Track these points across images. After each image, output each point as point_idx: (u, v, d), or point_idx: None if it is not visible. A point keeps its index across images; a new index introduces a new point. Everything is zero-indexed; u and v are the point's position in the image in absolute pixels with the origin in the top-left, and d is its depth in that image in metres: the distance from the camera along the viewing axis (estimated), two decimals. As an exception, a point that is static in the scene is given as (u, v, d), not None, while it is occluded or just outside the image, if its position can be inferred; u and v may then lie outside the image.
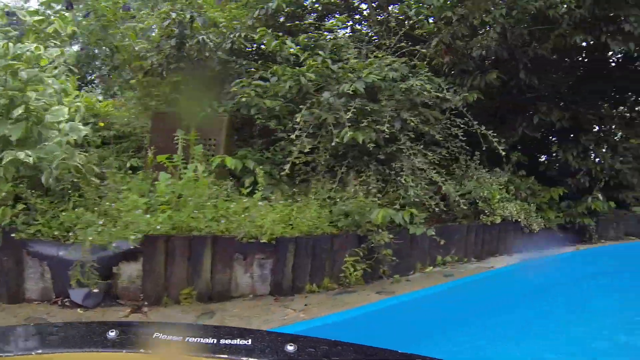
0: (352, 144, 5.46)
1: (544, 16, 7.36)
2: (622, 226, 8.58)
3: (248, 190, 5.26)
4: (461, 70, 7.56)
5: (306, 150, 5.31)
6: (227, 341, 0.94)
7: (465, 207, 5.68)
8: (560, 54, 8.24)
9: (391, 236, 4.93)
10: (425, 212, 5.59)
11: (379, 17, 9.39)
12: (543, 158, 8.79)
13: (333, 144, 5.32)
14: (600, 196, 7.64)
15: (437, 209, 5.54)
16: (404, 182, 5.26)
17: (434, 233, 5.23)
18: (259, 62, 7.07)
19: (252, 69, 7.04)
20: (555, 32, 7.31)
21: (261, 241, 4.53)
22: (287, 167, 5.33)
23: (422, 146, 5.68)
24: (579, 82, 8.75)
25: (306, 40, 6.89)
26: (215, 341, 0.93)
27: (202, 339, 0.95)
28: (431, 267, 5.67)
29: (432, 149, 5.87)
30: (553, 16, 7.15)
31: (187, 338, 0.95)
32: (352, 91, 5.56)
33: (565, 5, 7.04)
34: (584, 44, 8.37)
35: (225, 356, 0.89)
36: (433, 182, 5.67)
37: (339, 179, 5.47)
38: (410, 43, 7.23)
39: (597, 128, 8.63)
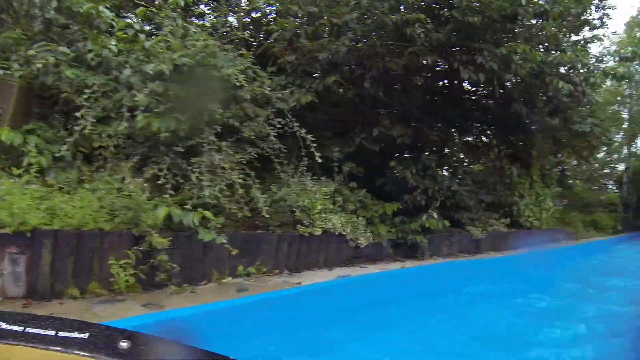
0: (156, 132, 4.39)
1: (401, 33, 6.84)
2: (455, 244, 8.25)
3: (22, 170, 4.10)
4: (305, 72, 6.75)
5: (86, 131, 4.17)
6: (66, 334, 0.89)
7: (268, 215, 4.81)
8: (416, 74, 7.79)
9: (168, 239, 3.93)
10: (232, 217, 4.66)
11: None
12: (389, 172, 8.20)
13: (121, 128, 4.21)
14: (435, 215, 7.20)
15: (240, 214, 4.61)
16: (195, 179, 4.24)
17: (225, 241, 4.27)
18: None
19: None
20: (409, 49, 6.75)
21: (7, 231, 3.48)
22: (64, 148, 4.18)
23: (228, 143, 4.69)
24: (431, 104, 8.38)
25: (148, 14, 5.74)
26: (54, 333, 0.88)
27: (41, 330, 0.88)
28: (230, 278, 4.71)
29: (243, 147, 4.89)
30: (410, 34, 6.63)
31: (27, 329, 0.88)
32: (157, 72, 4.48)
33: (421, 24, 6.51)
34: (439, 69, 8.07)
35: (60, 349, 0.83)
36: (244, 185, 4.73)
37: (129, 168, 4.36)
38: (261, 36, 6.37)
39: (440, 150, 8.23)
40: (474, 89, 9.60)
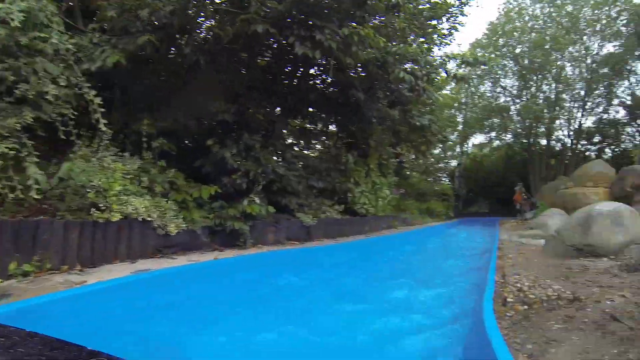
0: None
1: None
2: (283, 231, 8.33)
3: None
4: (125, 30, 6.22)
5: None
6: None
7: (38, 196, 4.28)
8: (248, 48, 7.63)
9: None
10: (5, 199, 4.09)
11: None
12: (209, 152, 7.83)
13: None
14: (257, 199, 7.10)
15: (11, 195, 4.06)
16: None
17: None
18: None
19: None
20: (241, 16, 6.55)
21: None
22: None
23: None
24: (269, 83, 8.27)
25: None
26: None
27: None
28: (1, 280, 4.06)
29: (21, 110, 4.27)
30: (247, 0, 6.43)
31: None
32: None
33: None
34: (272, 42, 8.00)
35: None
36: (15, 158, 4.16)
37: None
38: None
39: (268, 131, 8.17)
40: (313, 71, 9.79)
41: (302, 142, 10.23)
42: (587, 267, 6.01)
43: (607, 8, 23.57)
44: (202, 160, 7.15)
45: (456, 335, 4.16)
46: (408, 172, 23.37)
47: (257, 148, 7.23)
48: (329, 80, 10.18)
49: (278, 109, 8.78)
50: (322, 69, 10.04)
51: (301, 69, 9.50)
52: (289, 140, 9.47)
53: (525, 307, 4.15)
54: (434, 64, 11.94)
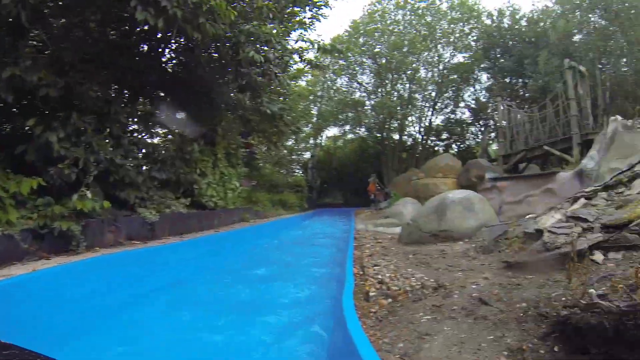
0: None
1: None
2: (123, 230, 7.76)
3: None
4: None
5: None
6: None
7: None
8: (79, 10, 6.91)
9: None
10: None
11: None
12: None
13: None
14: (89, 193, 6.46)
15: None
16: None
17: None
18: None
19: None
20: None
21: None
22: None
23: None
24: (112, 57, 7.59)
25: None
26: None
27: None
28: None
29: None
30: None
31: None
32: None
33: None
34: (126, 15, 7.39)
35: None
36: None
37: None
38: None
39: (103, 113, 7.49)
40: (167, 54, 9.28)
41: (142, 127, 9.61)
42: (445, 252, 6.54)
43: (461, 24, 29.79)
44: (25, 147, 6.28)
45: (318, 338, 4.04)
46: (260, 164, 23.85)
47: (89, 132, 6.56)
48: (174, 61, 9.72)
49: (106, 83, 8.05)
50: (173, 46, 9.60)
51: (149, 44, 8.96)
52: (131, 126, 8.81)
53: (390, 300, 4.16)
54: (289, 48, 12.00)
